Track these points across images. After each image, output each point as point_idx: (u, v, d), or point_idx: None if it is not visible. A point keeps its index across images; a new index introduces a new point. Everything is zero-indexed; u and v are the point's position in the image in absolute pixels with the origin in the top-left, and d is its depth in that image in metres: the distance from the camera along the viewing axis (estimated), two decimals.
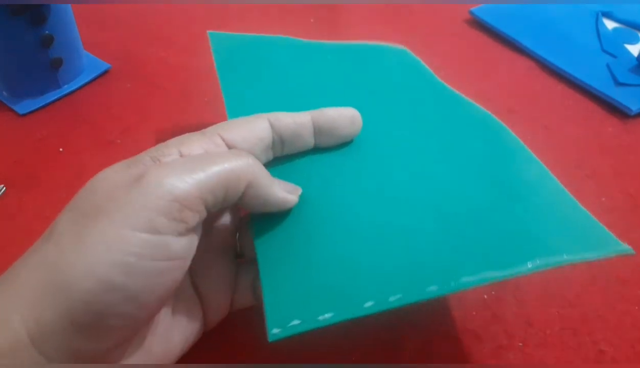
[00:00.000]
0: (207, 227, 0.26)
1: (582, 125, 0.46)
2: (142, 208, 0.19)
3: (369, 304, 0.20)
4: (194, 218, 0.20)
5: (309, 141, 0.26)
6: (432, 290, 0.20)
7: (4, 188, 0.39)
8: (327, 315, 0.20)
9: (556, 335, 0.30)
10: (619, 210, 0.38)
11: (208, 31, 0.33)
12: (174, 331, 0.24)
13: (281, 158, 0.26)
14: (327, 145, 0.27)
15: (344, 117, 0.26)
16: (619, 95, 0.47)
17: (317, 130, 0.26)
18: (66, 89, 0.48)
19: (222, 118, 0.46)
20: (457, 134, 0.29)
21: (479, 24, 0.58)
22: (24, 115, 0.45)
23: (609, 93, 0.47)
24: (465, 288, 0.20)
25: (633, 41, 0.54)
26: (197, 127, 0.44)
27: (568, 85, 0.50)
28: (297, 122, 0.25)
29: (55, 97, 0.47)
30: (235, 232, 0.28)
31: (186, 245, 0.20)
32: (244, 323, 0.29)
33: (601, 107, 0.47)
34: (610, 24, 0.57)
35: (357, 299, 0.20)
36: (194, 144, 0.23)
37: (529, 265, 0.21)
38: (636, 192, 0.39)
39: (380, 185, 0.25)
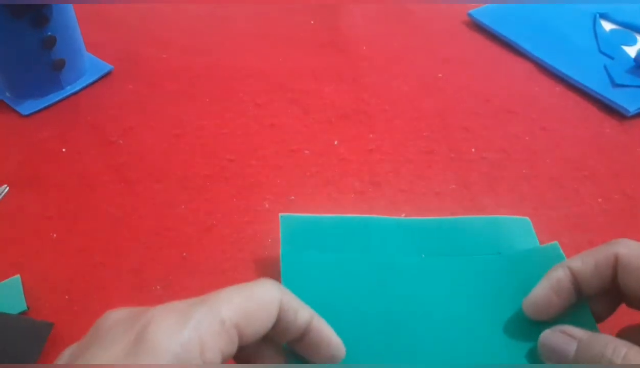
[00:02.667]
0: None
1: (580, 126, 0.46)
2: None
3: None
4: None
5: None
6: None
7: (7, 188, 0.39)
8: None
9: None
10: (617, 211, 0.38)
11: (280, 214, 0.34)
12: None
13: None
14: (296, 350, 0.25)
15: (330, 346, 0.25)
16: (617, 97, 0.47)
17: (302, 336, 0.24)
18: (69, 90, 0.48)
19: (221, 119, 0.46)
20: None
21: (477, 26, 0.59)
22: (27, 116, 0.46)
23: (607, 94, 0.48)
24: None
25: (630, 43, 0.55)
26: (197, 127, 0.45)
27: (566, 86, 0.50)
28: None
29: (58, 98, 0.47)
30: None
31: None
32: None
33: (599, 108, 0.48)
34: (607, 26, 0.57)
35: None
36: None
37: None
38: (633, 193, 0.40)
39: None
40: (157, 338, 0.19)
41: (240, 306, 0.21)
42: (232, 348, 0.21)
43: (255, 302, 0.21)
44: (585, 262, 0.26)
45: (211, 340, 0.20)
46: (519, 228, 0.35)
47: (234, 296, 0.21)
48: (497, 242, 0.33)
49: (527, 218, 0.35)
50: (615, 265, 0.25)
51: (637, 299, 0.26)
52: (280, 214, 0.34)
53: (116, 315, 0.21)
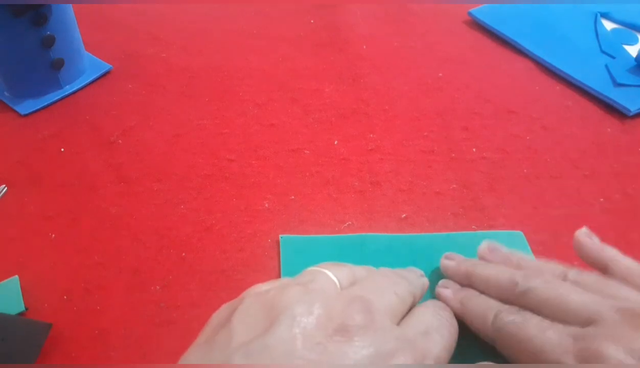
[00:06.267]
0: None
1: (580, 125, 0.46)
2: None
3: None
4: None
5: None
6: None
7: (6, 188, 0.39)
8: None
9: None
10: (617, 211, 0.38)
11: (280, 235, 0.36)
12: None
13: None
14: None
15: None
16: (618, 96, 0.47)
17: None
18: (67, 89, 0.48)
19: (221, 119, 0.46)
20: None
21: (478, 25, 0.58)
22: (25, 115, 0.46)
23: (608, 94, 0.48)
24: None
25: (631, 42, 0.55)
26: (197, 127, 0.45)
27: (567, 85, 0.50)
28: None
29: (57, 98, 0.47)
30: None
31: None
32: None
33: (600, 108, 0.48)
34: (608, 25, 0.57)
35: None
36: None
37: None
38: (634, 192, 0.40)
39: None
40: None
41: None
42: None
43: None
44: None
45: None
46: (513, 243, 0.35)
47: None
48: None
49: (520, 232, 0.36)
50: None
51: None
52: (280, 235, 0.35)
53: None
